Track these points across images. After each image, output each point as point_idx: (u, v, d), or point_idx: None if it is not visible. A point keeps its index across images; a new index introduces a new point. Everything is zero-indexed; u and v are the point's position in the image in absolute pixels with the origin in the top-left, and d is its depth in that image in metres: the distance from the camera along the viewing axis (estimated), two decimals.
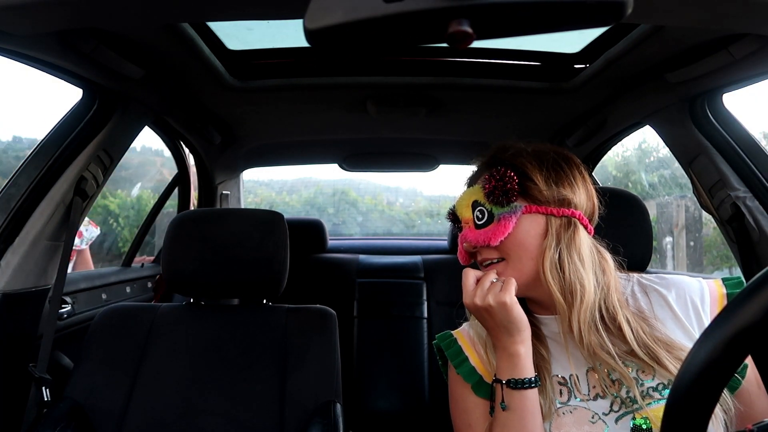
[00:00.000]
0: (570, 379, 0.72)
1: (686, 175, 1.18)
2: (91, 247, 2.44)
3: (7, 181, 1.00)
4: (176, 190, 1.87)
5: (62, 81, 1.01)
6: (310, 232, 2.05)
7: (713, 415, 0.41)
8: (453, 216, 0.80)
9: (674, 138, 1.19)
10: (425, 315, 1.76)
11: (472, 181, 0.80)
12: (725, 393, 0.63)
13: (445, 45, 0.32)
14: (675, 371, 0.59)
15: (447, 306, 1.76)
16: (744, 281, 0.78)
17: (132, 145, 1.25)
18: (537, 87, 1.31)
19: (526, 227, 0.71)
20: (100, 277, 1.44)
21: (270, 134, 1.76)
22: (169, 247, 1.08)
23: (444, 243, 2.23)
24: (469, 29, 0.30)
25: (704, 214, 1.19)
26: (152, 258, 1.95)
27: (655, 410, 0.65)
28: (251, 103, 1.43)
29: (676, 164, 1.21)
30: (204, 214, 1.20)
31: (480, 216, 0.73)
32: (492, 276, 0.71)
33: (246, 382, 1.01)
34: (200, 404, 0.99)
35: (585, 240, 0.72)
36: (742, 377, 0.67)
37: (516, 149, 0.76)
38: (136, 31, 0.95)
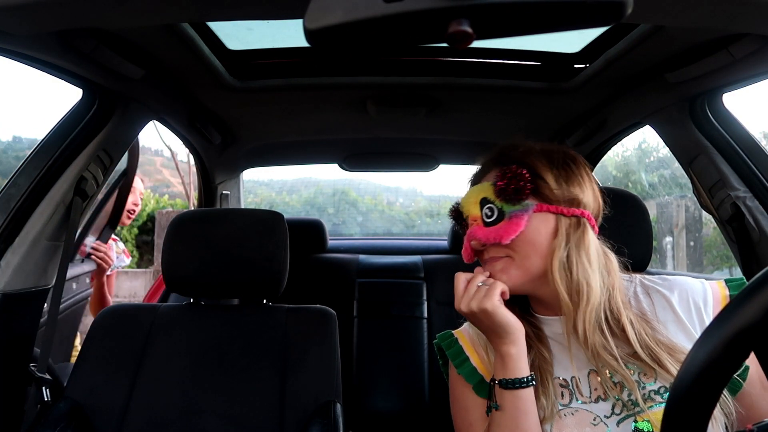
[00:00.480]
0: (572, 381, 0.71)
1: (686, 175, 1.18)
2: None
3: (7, 181, 1.00)
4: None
5: (62, 81, 1.01)
6: (310, 232, 2.04)
7: (713, 418, 0.41)
8: (456, 213, 0.79)
9: (674, 138, 1.19)
10: (425, 315, 1.75)
11: (477, 178, 0.79)
12: (726, 396, 0.63)
13: (445, 45, 0.32)
14: None
15: (447, 306, 1.76)
16: (746, 282, 0.78)
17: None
18: (537, 87, 1.30)
19: (537, 226, 0.70)
20: None
21: (270, 134, 1.75)
22: (169, 247, 1.07)
23: (444, 243, 2.22)
24: (469, 29, 0.30)
25: (704, 214, 1.19)
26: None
27: (657, 413, 0.65)
28: (251, 103, 1.43)
29: (676, 164, 1.21)
30: (204, 214, 1.20)
31: (489, 213, 0.72)
32: (479, 279, 0.71)
33: (246, 381, 1.01)
34: (200, 404, 0.98)
35: (593, 240, 0.72)
36: (743, 379, 0.66)
37: (526, 147, 0.75)
38: (136, 31, 0.95)
